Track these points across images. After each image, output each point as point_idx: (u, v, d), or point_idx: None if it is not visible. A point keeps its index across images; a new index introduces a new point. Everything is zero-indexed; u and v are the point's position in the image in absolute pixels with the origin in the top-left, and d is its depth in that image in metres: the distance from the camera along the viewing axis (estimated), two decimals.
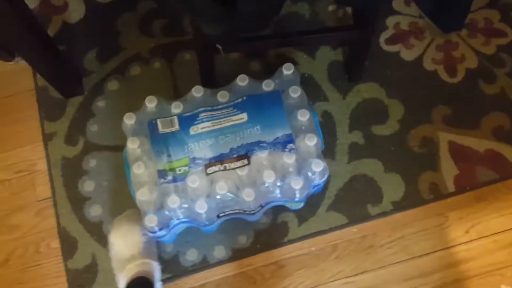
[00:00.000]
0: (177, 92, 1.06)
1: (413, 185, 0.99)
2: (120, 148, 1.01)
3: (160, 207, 0.83)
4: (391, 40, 1.10)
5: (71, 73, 1.05)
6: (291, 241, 0.96)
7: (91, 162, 1.01)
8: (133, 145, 0.86)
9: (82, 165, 1.01)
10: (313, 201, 0.97)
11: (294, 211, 0.97)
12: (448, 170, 1.00)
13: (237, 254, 0.95)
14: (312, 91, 1.05)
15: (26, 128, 1.04)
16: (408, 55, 1.09)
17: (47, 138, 1.03)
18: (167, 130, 0.87)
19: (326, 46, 1.09)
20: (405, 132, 1.02)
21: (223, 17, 0.62)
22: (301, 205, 0.95)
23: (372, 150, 1.01)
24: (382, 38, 1.10)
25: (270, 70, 0.97)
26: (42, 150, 1.02)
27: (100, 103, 1.05)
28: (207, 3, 0.61)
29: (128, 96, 1.06)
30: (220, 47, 0.79)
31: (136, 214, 0.90)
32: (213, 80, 1.02)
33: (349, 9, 1.10)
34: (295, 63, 1.08)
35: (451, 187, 0.99)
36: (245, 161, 0.84)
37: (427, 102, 1.05)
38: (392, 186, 0.98)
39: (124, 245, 0.88)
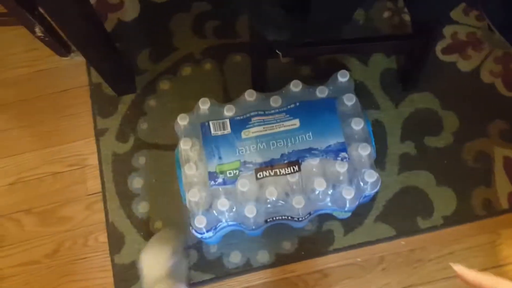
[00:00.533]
0: (227, 94, 1.06)
1: (466, 200, 0.96)
2: (169, 147, 1.03)
3: (209, 208, 0.84)
4: (447, 50, 1.07)
5: (126, 71, 1.06)
6: (336, 250, 0.94)
7: (141, 160, 1.02)
8: (185, 146, 0.86)
9: (131, 162, 1.02)
10: (360, 211, 0.95)
11: (341, 220, 0.96)
12: (503, 186, 0.96)
13: (281, 260, 0.95)
14: (364, 99, 1.02)
15: (79, 123, 1.06)
16: (465, 66, 1.05)
17: (99, 133, 1.05)
18: (219, 133, 0.87)
19: (379, 53, 1.07)
20: (460, 145, 0.99)
21: (291, 25, 0.62)
22: (349, 214, 0.93)
23: (424, 162, 0.99)
24: (438, 47, 1.07)
25: (321, 75, 0.96)
26: (94, 145, 1.04)
27: (152, 102, 1.07)
28: (276, 10, 0.61)
29: (179, 96, 1.07)
30: (279, 53, 0.78)
31: (169, 233, 0.91)
32: (264, 83, 1.01)
33: (406, 17, 1.08)
34: (347, 69, 1.05)
35: (505, 204, 0.95)
36: (296, 168, 0.84)
37: (483, 116, 1.02)
38: (444, 200, 0.96)
39: (153, 266, 0.88)
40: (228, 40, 1.11)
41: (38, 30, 0.97)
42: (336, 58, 1.08)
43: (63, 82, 1.10)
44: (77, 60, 1.11)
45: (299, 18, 0.57)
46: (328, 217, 0.95)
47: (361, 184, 0.84)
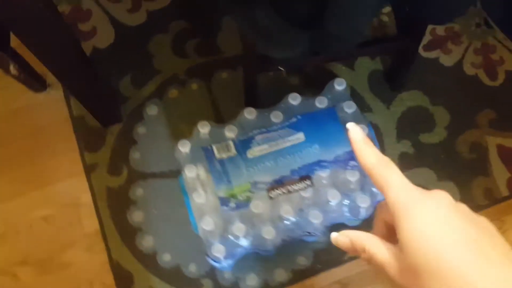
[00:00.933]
0: (218, 113, 1.03)
1: (467, 192, 0.98)
2: (166, 174, 0.99)
3: (224, 235, 0.81)
4: (429, 47, 1.09)
5: (110, 100, 1.01)
6: (351, 258, 0.94)
7: (138, 191, 0.98)
8: (191, 174, 0.83)
9: (128, 195, 0.97)
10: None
11: (352, 226, 0.95)
12: (500, 174, 0.99)
13: (298, 276, 0.93)
14: (355, 103, 1.03)
15: (66, 161, 1.00)
16: (447, 60, 1.08)
17: (89, 169, 0.99)
18: (224, 156, 0.85)
19: (364, 56, 1.08)
20: (453, 139, 1.02)
21: (300, 42, 0.60)
22: (360, 220, 0.93)
23: (422, 159, 1.00)
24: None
25: (310, 84, 0.95)
26: (85, 182, 0.98)
27: (141, 130, 1.02)
28: (284, 28, 0.59)
29: (169, 120, 1.03)
30: (282, 69, 0.76)
31: None
32: (257, 98, 0.99)
33: (385, 18, 1.09)
34: (335, 75, 1.06)
35: (504, 191, 0.98)
36: (308, 182, 0.82)
37: (471, 107, 1.04)
38: None
39: None
40: (212, 57, 1.08)
41: (12, 68, 0.90)
42: (323, 65, 1.08)
43: (42, 119, 1.03)
44: (54, 94, 1.04)
45: (306, 33, 0.55)
46: (338, 225, 0.94)
47: (373, 189, 0.84)
